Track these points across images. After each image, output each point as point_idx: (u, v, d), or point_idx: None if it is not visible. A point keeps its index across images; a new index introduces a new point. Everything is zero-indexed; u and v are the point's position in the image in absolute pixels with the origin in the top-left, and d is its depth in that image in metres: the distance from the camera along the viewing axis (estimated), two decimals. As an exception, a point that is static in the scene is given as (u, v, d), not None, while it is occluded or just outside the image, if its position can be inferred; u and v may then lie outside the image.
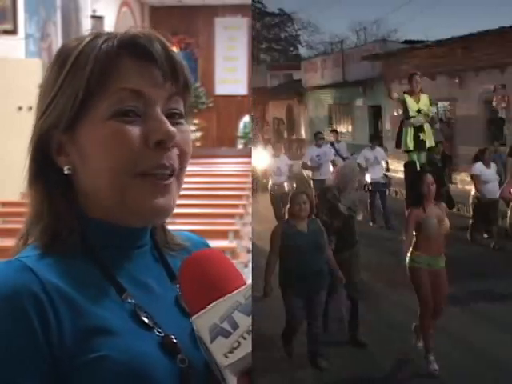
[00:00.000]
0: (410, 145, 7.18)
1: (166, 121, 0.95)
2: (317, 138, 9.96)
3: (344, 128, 15.33)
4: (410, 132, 7.18)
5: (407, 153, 7.30)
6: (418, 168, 7.10)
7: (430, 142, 7.34)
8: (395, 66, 13.75)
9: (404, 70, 13.44)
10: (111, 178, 0.94)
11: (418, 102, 7.19)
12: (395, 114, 14.18)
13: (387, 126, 14.34)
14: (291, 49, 28.49)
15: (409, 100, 7.19)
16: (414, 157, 7.23)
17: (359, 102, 15.54)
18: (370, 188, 8.53)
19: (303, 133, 18.60)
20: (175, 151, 0.97)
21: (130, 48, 0.95)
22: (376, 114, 15.00)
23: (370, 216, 8.60)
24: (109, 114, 0.93)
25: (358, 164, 9.18)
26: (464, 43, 11.07)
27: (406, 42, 14.65)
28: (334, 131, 11.85)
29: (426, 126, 7.24)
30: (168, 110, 0.97)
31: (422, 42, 13.56)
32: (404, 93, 7.34)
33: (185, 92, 1.01)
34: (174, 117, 0.98)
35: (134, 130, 0.94)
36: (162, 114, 0.95)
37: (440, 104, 12.11)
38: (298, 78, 19.27)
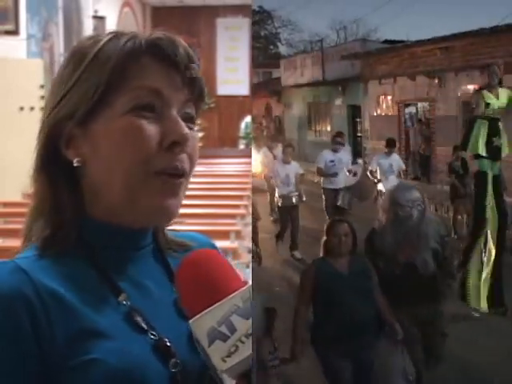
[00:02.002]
0: (482, 149, 5.84)
1: (182, 123, 0.96)
2: (334, 141, 8.41)
3: (322, 127, 15.32)
4: (484, 133, 5.86)
5: (476, 159, 6.03)
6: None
7: (504, 150, 5.97)
8: (375, 66, 13.77)
9: (384, 69, 13.48)
10: (125, 174, 0.93)
11: (497, 98, 5.97)
12: (374, 113, 14.20)
13: (366, 125, 14.35)
14: (271, 47, 28.49)
15: (488, 97, 5.88)
16: (486, 165, 5.88)
17: (338, 102, 15.52)
18: None
19: (283, 131, 18.57)
20: (186, 155, 0.98)
21: (154, 49, 0.97)
22: (355, 113, 15.01)
23: None
24: (126, 110, 0.94)
25: (371, 172, 8.13)
26: (444, 44, 11.11)
27: (386, 41, 14.68)
28: (341, 133, 9.93)
29: (502, 129, 5.97)
30: (183, 114, 0.98)
31: (402, 41, 13.59)
32: (480, 89, 6.08)
33: (198, 100, 1.02)
34: (188, 121, 0.99)
35: (150, 128, 0.94)
36: (178, 116, 0.96)
37: (419, 104, 12.16)
38: (278, 76, 19.26)
